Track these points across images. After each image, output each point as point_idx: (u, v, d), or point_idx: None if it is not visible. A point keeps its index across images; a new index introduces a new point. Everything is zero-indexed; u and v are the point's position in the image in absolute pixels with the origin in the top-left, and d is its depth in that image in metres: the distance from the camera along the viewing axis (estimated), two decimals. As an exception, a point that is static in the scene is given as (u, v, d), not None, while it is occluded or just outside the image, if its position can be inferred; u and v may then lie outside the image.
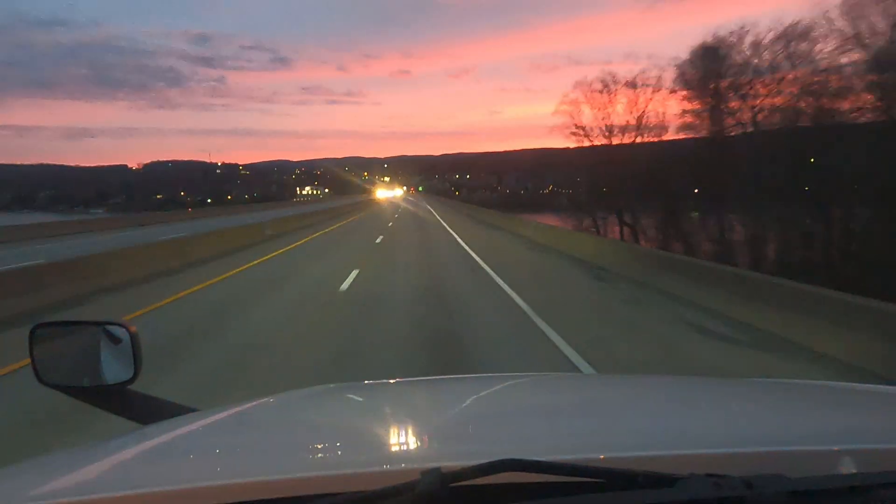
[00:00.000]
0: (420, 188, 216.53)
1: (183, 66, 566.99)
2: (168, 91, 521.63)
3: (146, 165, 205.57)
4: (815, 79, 20.80)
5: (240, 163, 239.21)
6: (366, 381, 1.80)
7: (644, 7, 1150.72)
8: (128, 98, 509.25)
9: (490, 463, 0.69)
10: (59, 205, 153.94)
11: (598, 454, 0.82)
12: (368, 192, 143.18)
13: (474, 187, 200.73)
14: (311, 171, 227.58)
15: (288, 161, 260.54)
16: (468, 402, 1.34)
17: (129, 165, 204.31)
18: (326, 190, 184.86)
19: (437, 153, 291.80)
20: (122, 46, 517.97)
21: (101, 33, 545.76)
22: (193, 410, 1.35)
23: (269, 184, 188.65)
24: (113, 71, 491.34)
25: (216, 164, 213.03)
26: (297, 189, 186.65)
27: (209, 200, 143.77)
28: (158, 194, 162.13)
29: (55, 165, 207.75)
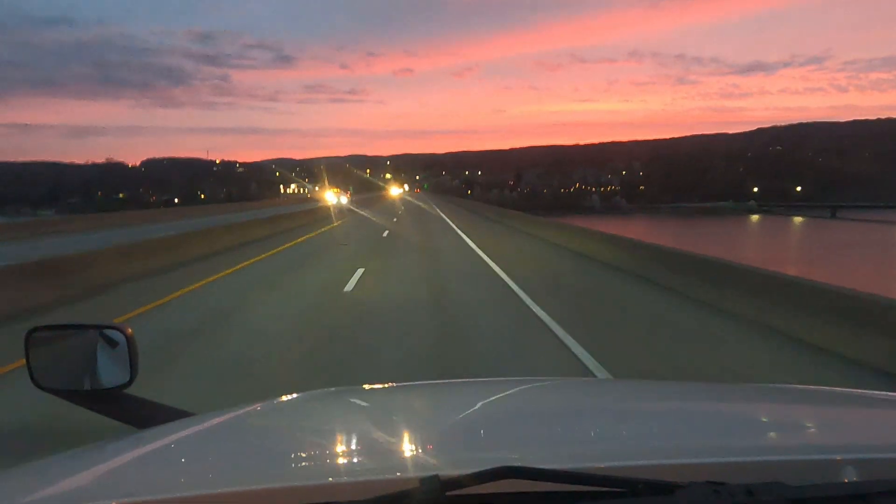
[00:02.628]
0: (425, 186, 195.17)
1: (187, 64, 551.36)
2: (172, 89, 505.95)
3: (143, 162, 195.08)
4: None
5: (241, 160, 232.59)
6: (365, 386, 1.77)
7: (648, 5, 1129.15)
8: (132, 96, 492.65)
9: (488, 470, 0.69)
10: (6, 205, 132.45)
11: (599, 462, 0.83)
12: (380, 188, 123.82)
13: (488, 185, 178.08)
14: (311, 168, 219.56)
15: (291, 159, 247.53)
16: (467, 407, 1.34)
17: (128, 163, 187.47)
18: (317, 188, 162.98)
19: (441, 151, 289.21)
20: (127, 45, 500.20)
21: (105, 32, 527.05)
22: (190, 414, 1.35)
23: (251, 181, 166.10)
24: (117, 69, 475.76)
25: (213, 161, 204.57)
26: (282, 187, 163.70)
27: (176, 200, 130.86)
28: (122, 193, 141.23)
29: (50, 163, 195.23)
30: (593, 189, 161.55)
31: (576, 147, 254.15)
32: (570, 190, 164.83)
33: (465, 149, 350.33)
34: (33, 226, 26.59)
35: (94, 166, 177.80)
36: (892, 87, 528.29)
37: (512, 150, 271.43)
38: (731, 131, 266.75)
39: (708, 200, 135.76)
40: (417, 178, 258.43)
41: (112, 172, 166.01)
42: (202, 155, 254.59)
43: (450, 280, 11.05)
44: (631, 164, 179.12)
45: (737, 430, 1.13)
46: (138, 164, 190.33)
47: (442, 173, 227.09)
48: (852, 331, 5.68)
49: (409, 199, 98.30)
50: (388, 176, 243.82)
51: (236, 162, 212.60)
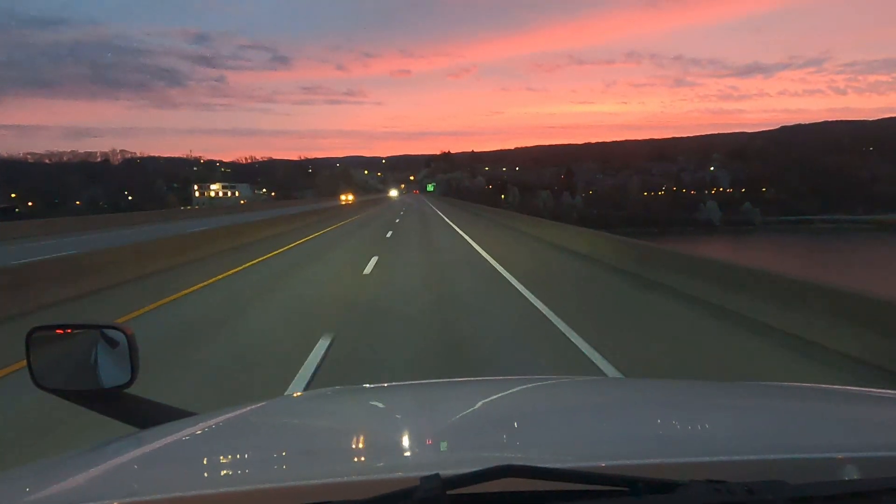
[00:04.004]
0: (429, 187, 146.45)
1: (182, 65, 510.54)
2: (169, 90, 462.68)
3: (120, 163, 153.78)
4: None
5: (227, 160, 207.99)
6: (366, 385, 1.78)
7: (645, 5, 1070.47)
8: (129, 97, 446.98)
9: (488, 469, 0.69)
10: None
11: (599, 461, 0.83)
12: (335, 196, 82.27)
13: (530, 185, 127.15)
14: (306, 168, 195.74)
15: (287, 160, 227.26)
16: (469, 407, 1.33)
17: (92, 161, 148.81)
18: (264, 191, 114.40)
19: (438, 152, 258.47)
20: (121, 45, 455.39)
21: (99, 32, 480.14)
22: (191, 414, 1.36)
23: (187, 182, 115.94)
24: (113, 70, 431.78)
25: (198, 159, 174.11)
26: (220, 191, 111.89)
27: (103, 205, 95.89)
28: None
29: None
30: (692, 191, 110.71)
31: (612, 143, 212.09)
32: (655, 193, 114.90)
33: (462, 150, 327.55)
34: None
35: (55, 165, 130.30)
36: (890, 88, 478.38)
37: (517, 150, 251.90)
38: (736, 131, 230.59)
39: (878, 211, 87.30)
40: (412, 178, 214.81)
41: (69, 171, 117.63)
42: (186, 154, 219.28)
43: None
44: (714, 158, 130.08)
45: (738, 428, 1.12)
46: (118, 161, 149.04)
47: (452, 169, 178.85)
48: None
49: (404, 207, 52.35)
50: (379, 174, 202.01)
51: (218, 161, 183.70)
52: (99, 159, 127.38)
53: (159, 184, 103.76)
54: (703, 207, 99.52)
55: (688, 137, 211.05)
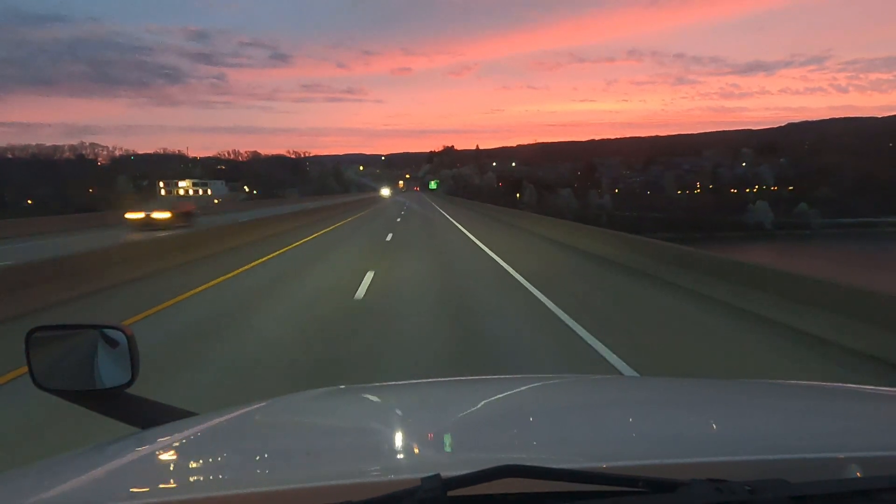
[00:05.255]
0: (432, 184, 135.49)
1: (183, 62, 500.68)
2: (169, 88, 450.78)
3: (94, 159, 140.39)
4: None
5: (224, 157, 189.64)
6: (368, 384, 1.79)
7: (646, 3, 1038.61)
8: (129, 95, 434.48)
9: (489, 469, 0.69)
10: None
11: (601, 461, 0.83)
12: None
13: (545, 182, 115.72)
14: (299, 165, 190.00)
15: (281, 157, 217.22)
16: (470, 406, 1.34)
17: (67, 156, 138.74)
18: (245, 188, 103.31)
19: (441, 147, 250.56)
20: (121, 43, 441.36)
21: (99, 30, 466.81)
22: (192, 414, 1.36)
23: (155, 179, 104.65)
24: (112, 68, 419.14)
25: (182, 154, 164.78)
26: (176, 188, 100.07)
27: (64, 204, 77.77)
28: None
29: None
30: (732, 189, 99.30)
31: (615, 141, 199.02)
32: (691, 192, 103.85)
33: (464, 147, 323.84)
34: None
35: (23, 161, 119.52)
36: (892, 87, 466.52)
37: (518, 147, 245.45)
38: (740, 129, 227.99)
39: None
40: (407, 176, 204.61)
41: (26, 166, 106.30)
42: (183, 150, 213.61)
43: None
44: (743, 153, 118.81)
45: (739, 427, 1.12)
46: (92, 157, 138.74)
47: (457, 164, 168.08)
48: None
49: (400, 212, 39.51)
50: (378, 172, 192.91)
51: (215, 157, 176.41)
52: (67, 154, 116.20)
53: (121, 181, 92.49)
54: (751, 209, 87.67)
55: (689, 134, 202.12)
